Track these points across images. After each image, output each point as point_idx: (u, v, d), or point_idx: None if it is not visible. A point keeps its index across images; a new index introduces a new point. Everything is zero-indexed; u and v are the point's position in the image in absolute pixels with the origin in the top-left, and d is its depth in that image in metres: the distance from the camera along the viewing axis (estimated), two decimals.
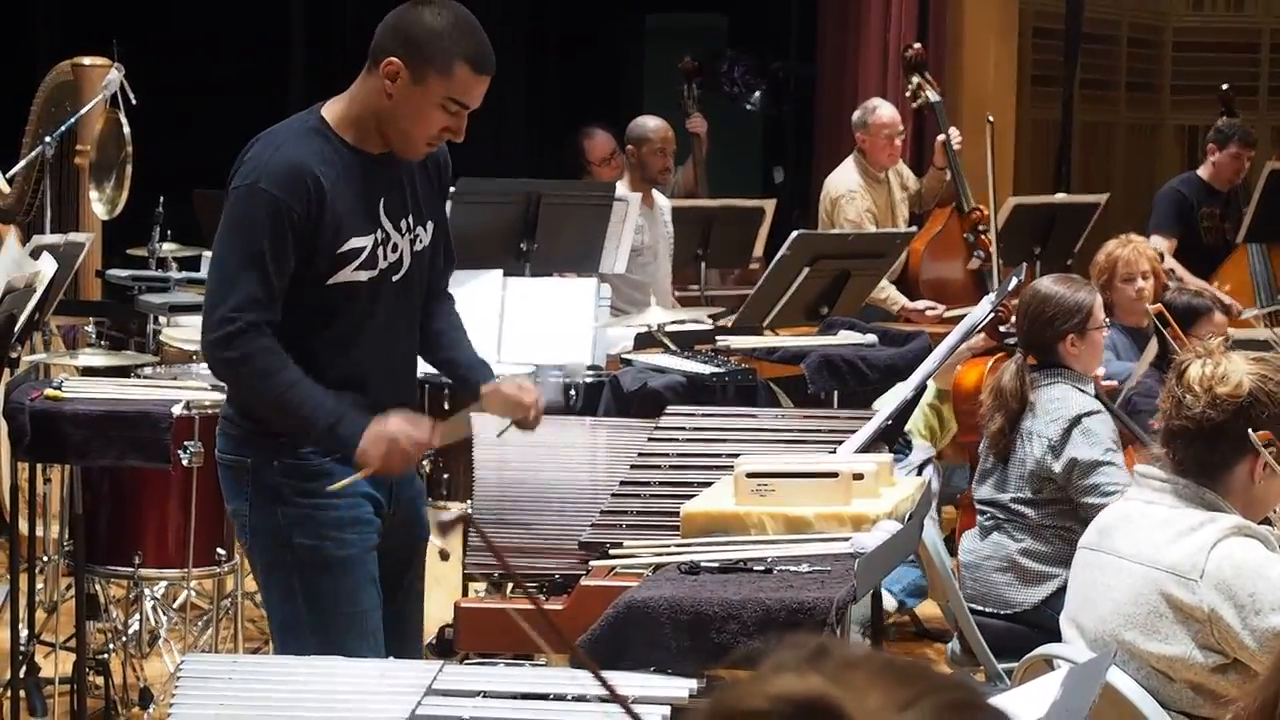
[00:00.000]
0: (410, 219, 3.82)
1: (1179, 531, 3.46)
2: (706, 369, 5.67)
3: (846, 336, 6.19)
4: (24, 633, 5.35)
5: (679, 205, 8.46)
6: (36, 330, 5.48)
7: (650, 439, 4.17)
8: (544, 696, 2.49)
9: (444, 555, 5.22)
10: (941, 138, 8.63)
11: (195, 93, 10.43)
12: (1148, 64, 12.07)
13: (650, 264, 7.80)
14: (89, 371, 5.70)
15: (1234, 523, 3.44)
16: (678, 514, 3.43)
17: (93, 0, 10.23)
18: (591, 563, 3.34)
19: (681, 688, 2.49)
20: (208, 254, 7.21)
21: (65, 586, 5.97)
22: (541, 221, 6.63)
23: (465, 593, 4.81)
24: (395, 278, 3.78)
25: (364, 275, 3.72)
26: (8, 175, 6.92)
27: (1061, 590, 4.66)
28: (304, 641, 3.69)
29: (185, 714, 2.52)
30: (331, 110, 3.76)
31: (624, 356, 5.98)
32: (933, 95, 8.93)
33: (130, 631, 5.77)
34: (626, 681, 2.56)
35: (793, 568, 3.13)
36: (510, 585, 3.75)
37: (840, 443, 4.02)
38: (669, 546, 3.33)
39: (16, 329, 4.65)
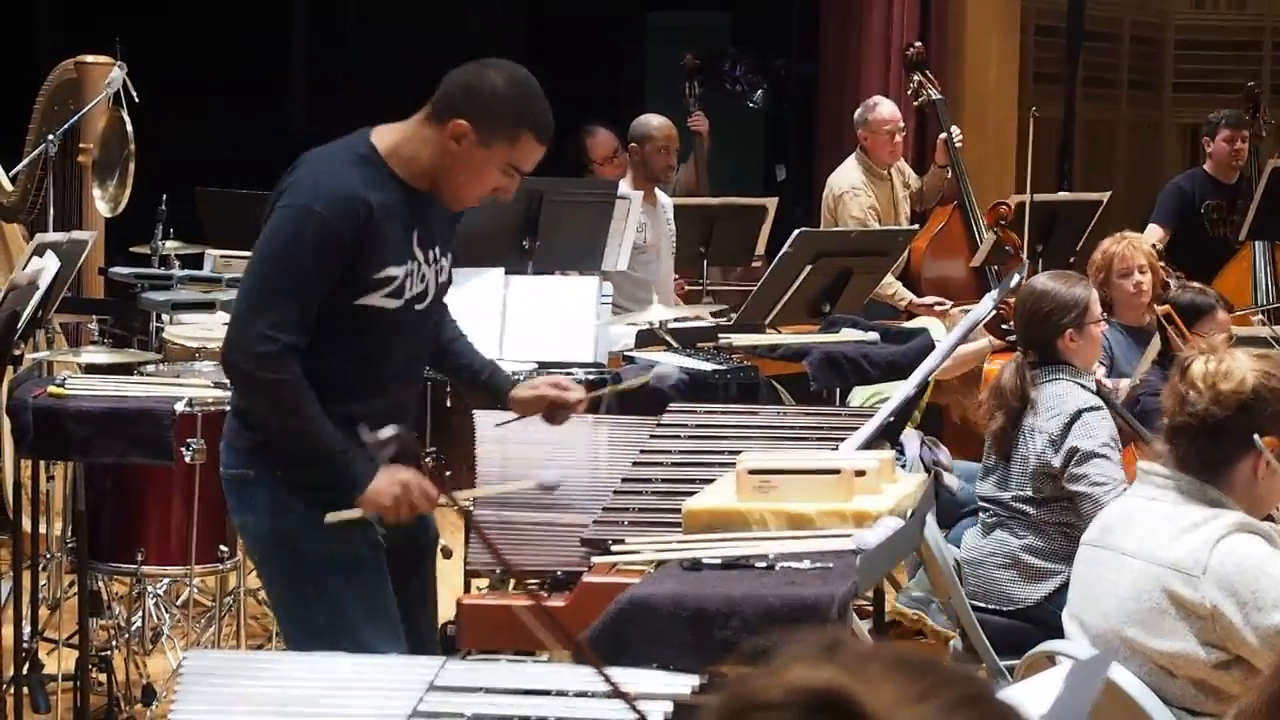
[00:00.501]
0: (436, 250, 3.85)
1: (1182, 528, 3.46)
2: (708, 366, 5.67)
3: (848, 334, 6.19)
4: (27, 629, 5.35)
5: (681, 203, 8.46)
6: (40, 328, 5.48)
7: (652, 436, 4.17)
8: (546, 692, 2.48)
9: (446, 553, 5.21)
10: (943, 136, 8.63)
11: (198, 91, 10.43)
12: (1150, 62, 12.06)
13: (653, 262, 7.80)
14: (92, 369, 5.69)
15: (1237, 519, 3.44)
16: (680, 511, 3.43)
17: None
18: (594, 559, 3.33)
19: (684, 684, 2.49)
20: (211, 252, 7.26)
21: (68, 583, 5.97)
22: (543, 219, 6.63)
23: (467, 589, 4.81)
24: (419, 307, 3.81)
25: (391, 303, 3.73)
26: (11, 173, 6.93)
27: (1063, 587, 4.66)
28: (327, 647, 3.66)
29: (188, 710, 2.52)
30: (382, 140, 3.77)
31: (626, 354, 5.98)
32: (934, 93, 8.95)
33: (133, 628, 5.77)
34: (628, 678, 2.55)
35: (795, 564, 3.13)
36: (512, 582, 3.75)
37: (842, 439, 4.02)
38: (671, 543, 3.33)
39: (20, 326, 4.65)
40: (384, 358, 3.76)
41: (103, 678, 5.55)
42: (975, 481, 5.60)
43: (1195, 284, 6.84)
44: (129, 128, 6.63)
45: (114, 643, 5.72)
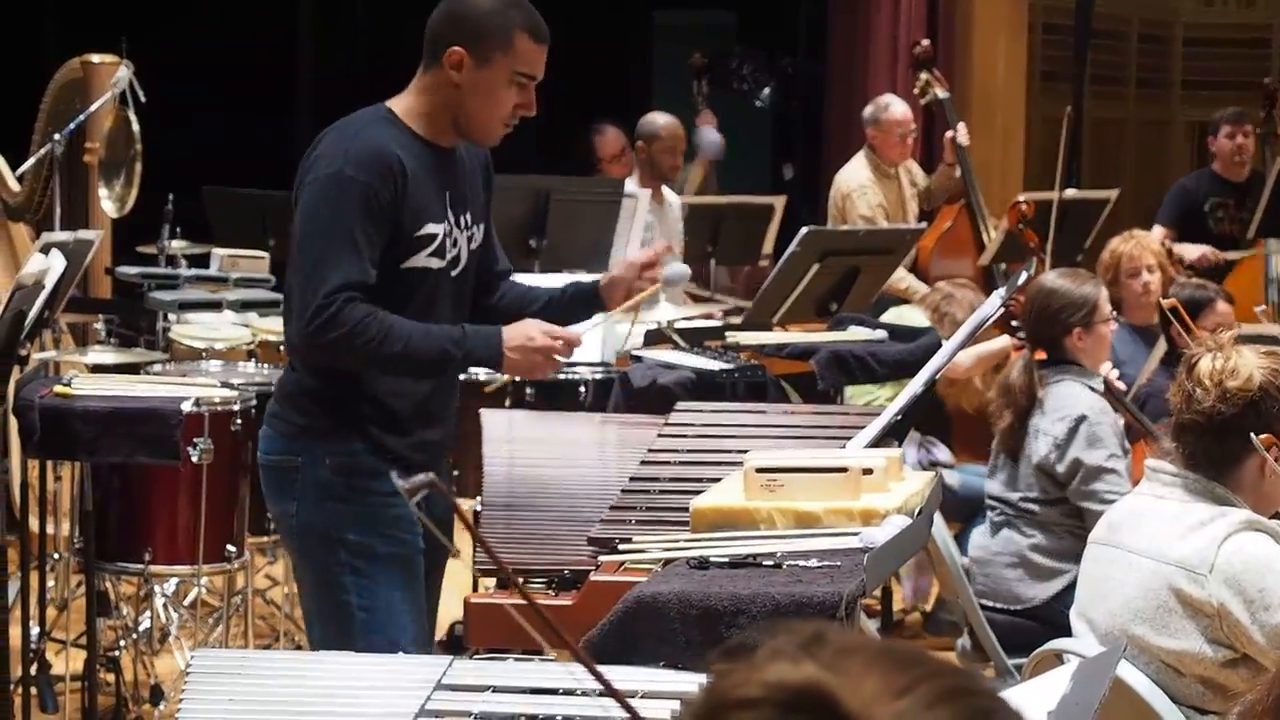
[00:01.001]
0: (469, 216, 3.84)
1: (1189, 526, 3.46)
2: (716, 365, 5.67)
3: (856, 332, 6.18)
4: (35, 630, 5.36)
5: (688, 202, 8.47)
6: (46, 327, 5.48)
7: (660, 435, 4.16)
8: (553, 691, 2.49)
9: (454, 553, 5.22)
10: (950, 134, 8.63)
11: (204, 91, 10.44)
12: (1158, 60, 12.06)
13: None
14: (99, 369, 5.70)
15: (1244, 517, 3.44)
16: (687, 509, 3.43)
17: None
18: (601, 558, 3.34)
19: (691, 682, 2.49)
20: (217, 251, 7.27)
21: (75, 584, 5.98)
22: (551, 218, 6.64)
23: (475, 589, 4.81)
24: (454, 272, 3.81)
25: (435, 263, 3.74)
26: (17, 173, 6.93)
27: (1071, 586, 4.66)
28: (353, 641, 3.67)
29: (196, 710, 2.52)
30: (398, 105, 3.77)
31: (634, 353, 5.97)
32: (941, 92, 8.94)
33: (141, 628, 5.79)
34: (635, 676, 2.56)
35: (802, 562, 3.13)
36: (522, 581, 3.75)
37: (849, 438, 4.01)
38: (678, 542, 3.33)
39: (26, 326, 4.65)
40: (428, 320, 3.74)
41: (110, 678, 5.56)
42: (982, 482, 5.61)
43: (1194, 279, 6.84)
44: (135, 127, 6.63)
45: (122, 643, 5.73)
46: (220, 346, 6.39)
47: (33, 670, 5.26)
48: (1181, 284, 6.63)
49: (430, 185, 3.71)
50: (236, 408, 5.38)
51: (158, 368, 5.97)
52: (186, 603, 6.09)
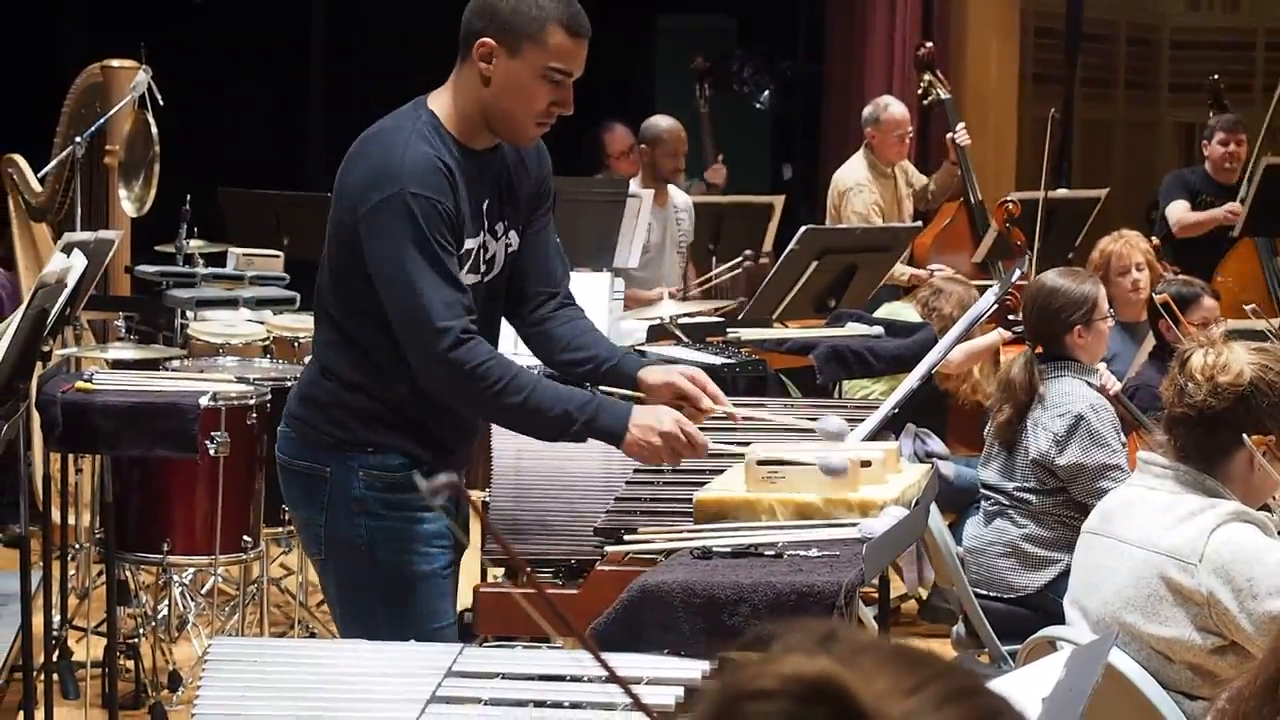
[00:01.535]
0: (505, 222, 3.58)
1: (1179, 517, 3.45)
2: (718, 360, 5.66)
3: (854, 328, 6.18)
4: (56, 618, 5.36)
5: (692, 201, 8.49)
6: (68, 324, 5.48)
7: None
8: (560, 678, 2.48)
9: (464, 544, 5.22)
10: (950, 135, 8.62)
11: (220, 94, 10.44)
12: (1146, 62, 12.05)
13: (654, 260, 7.81)
14: (119, 364, 5.70)
15: (1233, 508, 3.43)
16: (690, 501, 3.43)
17: (121, 4, 10.24)
18: (607, 548, 3.33)
19: (695, 669, 2.49)
20: (233, 250, 7.27)
21: (96, 573, 5.97)
22: (556, 217, 6.62)
23: (484, 578, 4.81)
24: (487, 278, 3.56)
25: (470, 278, 3.46)
26: (40, 174, 6.93)
27: (1063, 575, 4.66)
28: None
29: (213, 696, 2.52)
30: (438, 104, 3.49)
31: (638, 348, 5.97)
32: (943, 93, 8.94)
33: (159, 616, 5.79)
34: (641, 664, 2.55)
35: (802, 552, 3.12)
36: (531, 571, 3.74)
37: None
38: (682, 532, 3.33)
39: (48, 323, 4.65)
40: None
41: (130, 664, 5.56)
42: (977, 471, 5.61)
43: (1181, 275, 6.85)
44: (154, 130, 6.63)
45: (141, 630, 5.73)
46: (236, 342, 6.39)
47: (55, 657, 5.26)
48: (1169, 280, 6.63)
49: (468, 197, 3.46)
50: (252, 402, 5.38)
51: (176, 363, 5.96)
52: (204, 591, 6.09)
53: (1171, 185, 9.01)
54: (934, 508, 4.54)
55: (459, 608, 3.76)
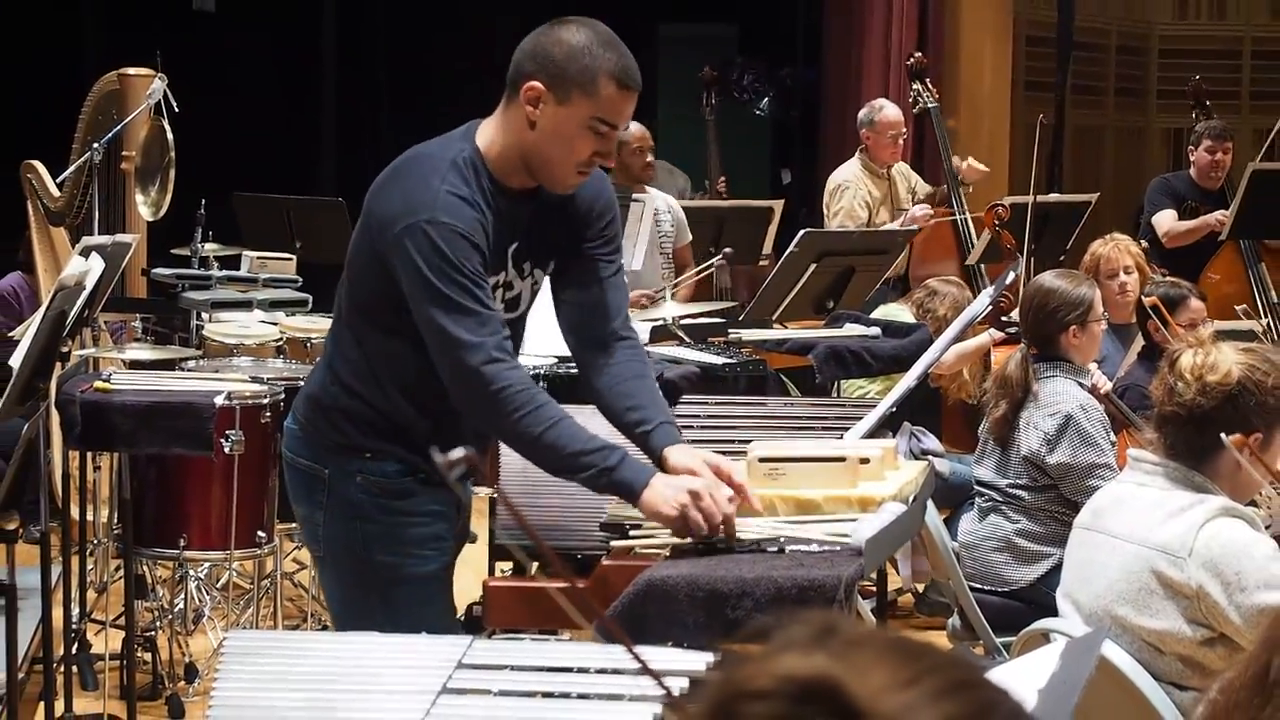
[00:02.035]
0: (531, 262, 3.46)
1: (1169, 512, 3.45)
2: (719, 360, 5.66)
3: (851, 329, 6.18)
4: (76, 611, 5.36)
5: (693, 205, 8.48)
6: (86, 326, 5.48)
7: None
8: (568, 669, 2.48)
9: (471, 538, 5.22)
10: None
11: (234, 102, 10.45)
12: (1135, 70, 12.04)
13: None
14: (136, 365, 5.70)
15: (1222, 504, 3.43)
16: None
17: (138, 15, 10.24)
18: (612, 543, 3.33)
19: (699, 661, 2.48)
20: (247, 253, 7.27)
21: (114, 568, 5.98)
22: None
23: (492, 572, 4.81)
24: (510, 316, 3.44)
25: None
26: (58, 180, 6.94)
27: (1055, 569, 4.66)
28: None
29: (228, 687, 2.52)
30: (484, 137, 3.37)
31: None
32: (930, 101, 9.01)
33: (176, 610, 5.79)
34: (646, 655, 2.54)
35: (803, 547, 3.12)
36: (535, 565, 3.74)
37: (847, 429, 4.01)
38: None
39: (67, 324, 4.65)
40: None
41: (147, 657, 5.56)
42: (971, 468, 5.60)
43: (1169, 278, 6.85)
44: (169, 136, 6.63)
45: (158, 624, 5.73)
46: (250, 343, 6.40)
47: (74, 649, 5.26)
48: (1157, 283, 6.63)
49: (495, 236, 3.33)
50: (266, 401, 5.38)
51: (191, 364, 5.97)
52: (219, 586, 6.09)
53: (1157, 192, 9.00)
54: (930, 504, 4.53)
55: (468, 602, 3.75)
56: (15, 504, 4.76)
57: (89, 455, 5.68)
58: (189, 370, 5.82)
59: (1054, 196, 8.94)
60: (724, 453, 3.64)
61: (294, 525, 5.73)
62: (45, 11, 10.67)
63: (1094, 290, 5.43)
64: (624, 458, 3.26)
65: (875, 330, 6.11)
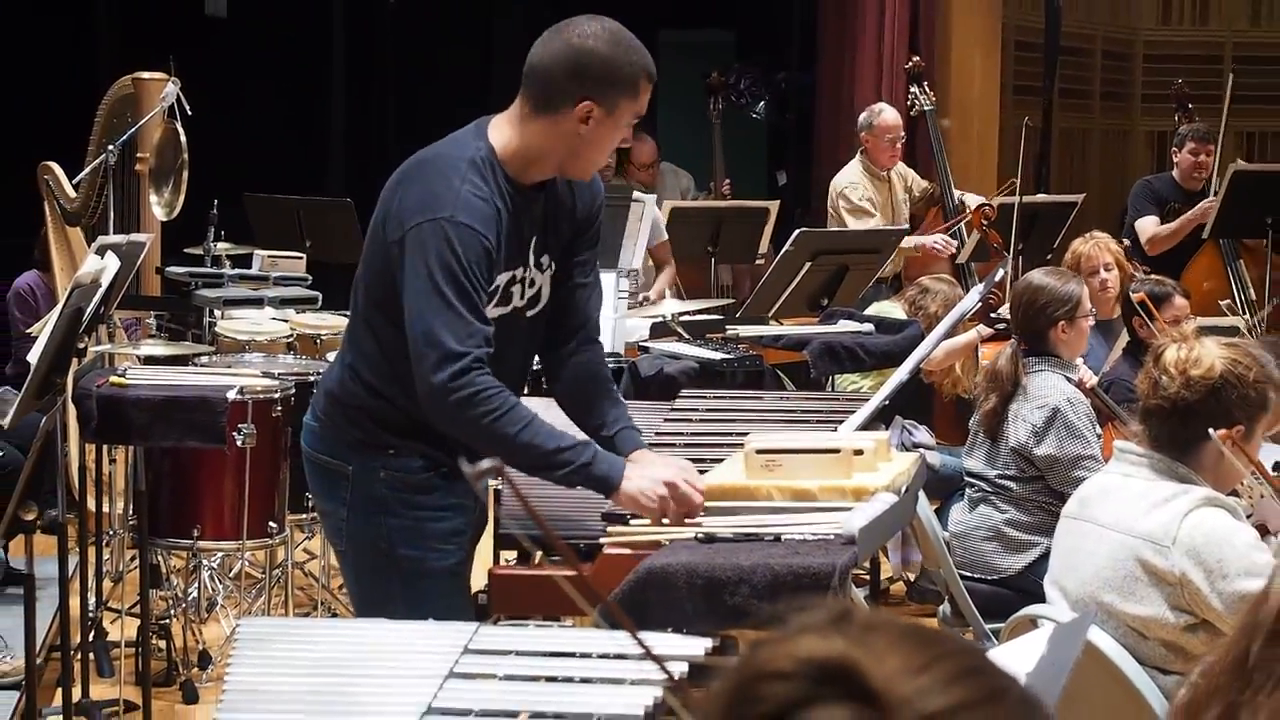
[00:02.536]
0: (549, 254, 3.46)
1: (1154, 502, 3.46)
2: (717, 355, 5.67)
3: (845, 325, 6.18)
4: (92, 600, 5.36)
5: (690, 206, 8.49)
6: (102, 323, 5.49)
7: (666, 420, 4.16)
8: (572, 655, 2.49)
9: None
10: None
11: (245, 104, 10.45)
12: (1120, 74, 12.03)
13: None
14: (150, 360, 5.71)
15: (1205, 494, 3.44)
16: None
17: (151, 20, 10.24)
18: (613, 532, 3.33)
19: (698, 646, 2.49)
20: (258, 252, 7.27)
21: (129, 558, 5.98)
22: None
23: (497, 560, 4.81)
24: (531, 313, 3.45)
25: (498, 311, 3.35)
26: (74, 181, 6.94)
27: (1043, 557, 4.66)
28: None
29: (241, 673, 2.52)
30: (498, 137, 3.35)
31: (641, 344, 5.97)
32: (926, 104, 9.03)
33: (190, 598, 5.79)
34: (647, 641, 2.55)
35: (799, 536, 3.13)
36: (539, 554, 3.74)
37: (841, 422, 4.01)
38: None
39: (84, 321, 4.65)
40: (500, 365, 3.32)
41: (162, 644, 5.57)
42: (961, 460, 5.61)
43: (1153, 275, 6.86)
44: (183, 138, 6.64)
45: (172, 612, 5.74)
46: (262, 339, 6.40)
47: (91, 637, 5.26)
48: (1141, 280, 6.63)
49: (511, 232, 3.32)
50: (277, 396, 5.38)
51: (205, 359, 5.97)
52: (232, 575, 6.09)
53: (1140, 197, 8.99)
54: (921, 494, 4.54)
55: (474, 590, 3.75)
56: (33, 496, 4.77)
57: (105, 448, 5.68)
58: (202, 366, 5.82)
59: (1041, 197, 8.94)
60: (722, 445, 3.65)
61: (304, 516, 5.75)
62: (61, 18, 10.66)
63: (1082, 287, 5.44)
64: (597, 453, 3.29)
65: (868, 327, 6.11)
